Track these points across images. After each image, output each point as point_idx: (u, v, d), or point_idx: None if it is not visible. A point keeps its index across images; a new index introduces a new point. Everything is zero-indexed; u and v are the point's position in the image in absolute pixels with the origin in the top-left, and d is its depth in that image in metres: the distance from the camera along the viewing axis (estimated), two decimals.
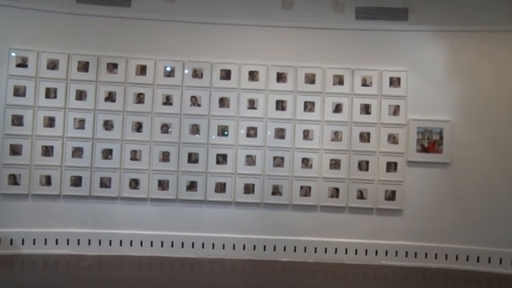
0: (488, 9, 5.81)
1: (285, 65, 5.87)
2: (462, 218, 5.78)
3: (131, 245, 5.77)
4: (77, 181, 5.74)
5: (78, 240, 5.72)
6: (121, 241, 5.77)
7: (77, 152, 5.74)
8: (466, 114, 5.83)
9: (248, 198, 5.82)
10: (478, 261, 5.71)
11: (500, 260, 5.68)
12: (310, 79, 5.88)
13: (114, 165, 5.76)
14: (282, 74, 5.87)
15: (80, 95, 5.75)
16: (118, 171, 5.75)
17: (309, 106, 5.87)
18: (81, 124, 5.74)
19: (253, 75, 5.86)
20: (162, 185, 5.77)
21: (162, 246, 5.77)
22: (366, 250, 5.81)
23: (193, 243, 5.79)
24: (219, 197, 5.81)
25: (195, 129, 5.81)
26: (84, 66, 5.76)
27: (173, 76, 5.82)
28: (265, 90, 5.85)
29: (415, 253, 5.79)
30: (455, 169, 5.81)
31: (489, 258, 5.70)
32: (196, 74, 5.83)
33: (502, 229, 5.71)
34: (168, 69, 5.83)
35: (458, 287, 5.22)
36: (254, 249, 5.81)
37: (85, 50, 5.77)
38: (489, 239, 5.72)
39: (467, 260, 5.73)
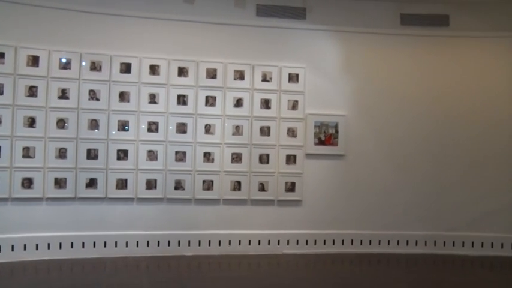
0: (379, 13, 6.27)
1: (186, 60, 5.84)
2: (356, 205, 6.19)
3: (25, 250, 5.36)
4: None
5: None
6: (13, 246, 5.32)
7: None
8: (359, 109, 6.23)
9: (150, 193, 5.73)
10: (370, 244, 6.17)
11: (388, 241, 6.19)
12: (212, 74, 5.92)
13: (3, 163, 5.32)
14: (184, 68, 5.84)
15: None
16: (8, 171, 5.33)
17: (210, 101, 5.91)
18: None
19: (154, 69, 5.76)
20: (59, 183, 5.48)
21: (60, 248, 5.47)
22: (269, 240, 6.00)
23: (94, 243, 5.57)
24: (121, 193, 5.65)
25: (93, 124, 5.58)
26: None
27: (69, 68, 5.53)
28: (166, 85, 5.79)
29: (315, 241, 6.09)
30: (349, 160, 6.19)
31: (379, 241, 6.17)
32: (95, 66, 5.60)
33: (391, 215, 6.20)
34: (64, 60, 5.52)
35: (354, 269, 5.59)
36: (158, 245, 5.74)
37: None
38: (380, 224, 6.19)
39: (361, 244, 6.16)
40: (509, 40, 6.29)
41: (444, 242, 6.23)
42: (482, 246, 6.22)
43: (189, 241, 5.83)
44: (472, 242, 6.22)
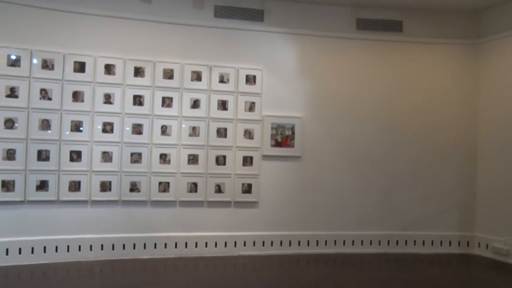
0: (335, 18, 6.39)
1: (143, 60, 5.76)
2: (312, 207, 6.27)
3: None
4: None
5: None
6: None
7: None
8: (315, 111, 6.32)
9: (105, 196, 5.60)
10: (325, 244, 6.25)
11: (344, 241, 6.30)
12: (169, 74, 5.86)
13: None
14: (140, 68, 5.75)
15: None
16: None
17: (167, 101, 5.85)
18: None
19: (109, 69, 5.64)
20: (7, 185, 5.24)
21: (7, 254, 5.20)
22: (225, 242, 5.98)
23: (45, 248, 5.36)
24: (74, 196, 5.49)
25: (45, 125, 5.40)
26: None
27: (19, 66, 5.31)
28: (122, 85, 5.68)
29: (271, 242, 6.12)
30: (305, 162, 6.26)
31: (335, 241, 6.28)
32: (47, 65, 5.42)
33: (347, 215, 6.32)
34: (13, 57, 5.30)
35: (309, 269, 5.65)
36: (113, 248, 5.61)
37: None
38: (336, 225, 6.29)
39: (317, 245, 6.23)
40: (456, 47, 6.57)
41: (397, 241, 6.41)
42: (432, 244, 6.45)
43: (144, 244, 5.73)
44: (423, 241, 6.44)
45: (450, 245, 6.47)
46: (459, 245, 6.49)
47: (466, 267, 6.01)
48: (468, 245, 6.49)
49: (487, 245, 6.30)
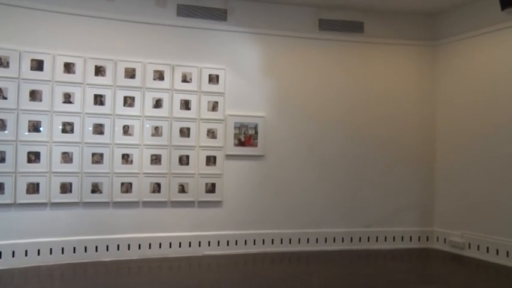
0: (298, 18, 6.45)
1: (104, 58, 5.66)
2: (276, 205, 6.31)
3: None
4: None
5: None
6: None
7: None
8: (278, 110, 6.37)
9: (65, 198, 5.47)
10: (290, 242, 6.31)
11: (308, 239, 6.38)
12: (130, 74, 5.78)
13: None
14: (101, 67, 5.65)
15: None
16: None
17: (128, 101, 5.76)
18: None
19: (69, 67, 5.51)
20: None
21: None
22: (190, 242, 5.95)
23: (0, 253, 5.14)
24: (32, 198, 5.33)
25: (0, 125, 5.20)
26: None
27: None
28: (82, 84, 5.56)
29: (236, 241, 6.14)
30: (269, 161, 6.30)
31: (299, 239, 6.34)
32: (1, 62, 5.23)
33: (311, 213, 6.39)
34: None
35: (274, 267, 5.69)
36: (74, 251, 5.48)
37: None
38: (300, 223, 6.35)
39: (281, 243, 6.29)
40: (415, 48, 6.77)
41: (360, 238, 6.55)
42: (393, 240, 6.62)
43: (107, 246, 5.63)
44: (385, 237, 6.60)
45: (411, 240, 6.66)
46: (419, 240, 6.69)
47: (425, 261, 6.17)
48: (427, 240, 6.70)
49: (445, 239, 6.52)
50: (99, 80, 5.65)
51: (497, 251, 5.80)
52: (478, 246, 6.04)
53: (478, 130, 6.16)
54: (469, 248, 6.17)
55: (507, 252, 5.68)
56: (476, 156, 6.15)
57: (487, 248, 5.93)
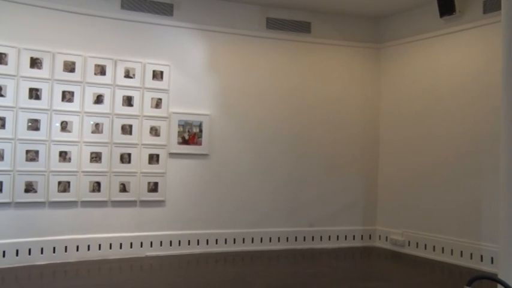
0: (246, 16, 6.41)
1: (40, 50, 5.37)
2: (221, 205, 6.24)
3: None
4: None
5: None
6: None
7: None
8: (223, 108, 6.29)
9: None
10: (234, 242, 6.26)
11: (252, 239, 6.35)
12: (70, 67, 5.51)
13: None
14: (37, 59, 5.35)
15: None
16: None
17: (67, 96, 5.50)
18: None
19: (0, 58, 5.17)
20: None
21: None
22: (131, 243, 5.76)
23: None
24: None
25: None
26: None
27: None
28: (16, 76, 5.24)
29: (179, 241, 6.01)
30: (213, 160, 6.22)
31: (243, 239, 6.30)
32: None
33: (255, 213, 6.36)
34: None
35: (218, 268, 5.61)
36: (4, 255, 5.12)
37: None
38: (244, 223, 6.30)
39: (226, 243, 6.22)
40: (360, 50, 6.90)
41: (304, 237, 6.59)
42: (337, 239, 6.71)
43: (41, 248, 5.33)
44: (329, 236, 6.68)
45: (354, 238, 6.78)
46: (362, 238, 6.83)
47: (367, 258, 6.32)
48: (370, 238, 6.85)
49: (386, 237, 6.69)
50: (35, 72, 5.35)
51: (433, 247, 6.05)
52: (417, 243, 6.27)
53: (417, 132, 6.38)
54: (409, 245, 6.37)
55: (442, 248, 5.95)
56: (416, 158, 6.37)
57: (425, 245, 6.16)
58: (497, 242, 4.26)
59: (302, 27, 6.62)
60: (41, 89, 5.37)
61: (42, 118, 5.36)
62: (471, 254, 5.63)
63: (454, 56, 6.00)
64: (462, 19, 5.88)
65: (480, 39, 5.70)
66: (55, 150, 5.43)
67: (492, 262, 5.28)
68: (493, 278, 2.75)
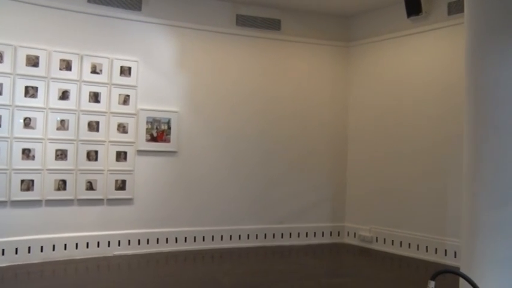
0: (215, 12, 6.37)
1: (1, 43, 5.16)
2: (190, 202, 6.19)
3: None
4: None
5: None
6: None
7: None
8: (192, 105, 6.24)
9: None
10: (203, 240, 6.23)
11: (222, 236, 6.33)
12: (33, 61, 5.35)
13: None
14: None
15: None
16: None
17: (30, 91, 5.33)
18: None
19: None
20: None
21: None
22: (98, 242, 5.65)
23: None
24: None
25: None
26: None
27: None
28: None
29: (147, 240, 5.93)
30: (182, 157, 6.16)
31: (212, 237, 6.26)
32: None
33: (224, 210, 6.33)
34: None
35: (187, 266, 5.58)
36: None
37: None
38: (213, 220, 6.27)
39: (195, 241, 6.18)
40: (329, 48, 6.96)
41: (273, 234, 6.61)
42: (306, 235, 6.76)
43: (3, 250, 5.13)
44: (298, 233, 6.72)
45: (323, 235, 6.85)
46: (331, 235, 6.90)
47: (336, 255, 6.40)
48: (339, 235, 6.93)
49: (355, 233, 6.79)
50: None
51: (400, 243, 6.17)
52: (385, 239, 6.38)
53: (384, 130, 6.50)
54: (377, 241, 6.49)
55: (409, 244, 6.07)
56: (383, 154, 6.48)
57: (392, 241, 6.28)
58: (459, 236, 4.38)
59: (272, 25, 6.63)
60: (2, 84, 5.17)
61: (4, 114, 5.18)
62: (436, 249, 5.78)
63: (420, 56, 6.14)
64: (428, 20, 6.01)
65: (445, 40, 5.85)
66: (17, 148, 5.25)
67: (455, 256, 5.43)
68: (455, 272, 2.93)
